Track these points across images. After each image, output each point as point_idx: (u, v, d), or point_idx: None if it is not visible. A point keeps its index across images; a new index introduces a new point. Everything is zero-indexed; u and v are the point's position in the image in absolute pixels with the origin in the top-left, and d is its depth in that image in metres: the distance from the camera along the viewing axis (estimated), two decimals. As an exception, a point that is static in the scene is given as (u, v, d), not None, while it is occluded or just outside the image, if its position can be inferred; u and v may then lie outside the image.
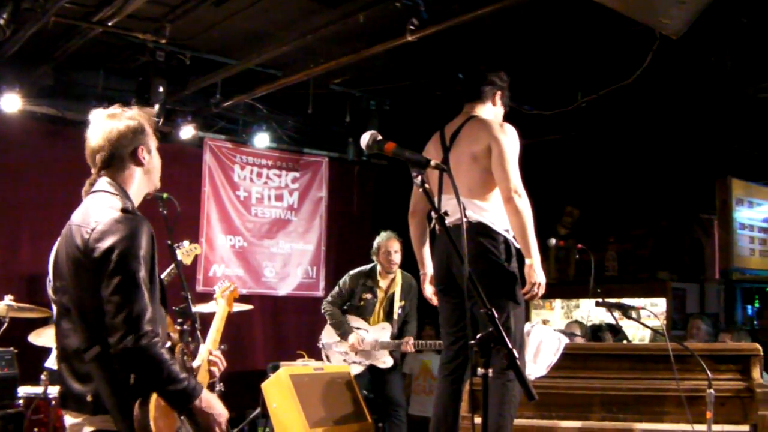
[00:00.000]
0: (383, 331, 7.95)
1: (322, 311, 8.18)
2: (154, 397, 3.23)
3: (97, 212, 3.35)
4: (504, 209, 5.03)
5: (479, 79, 5.47)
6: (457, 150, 5.28)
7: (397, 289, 8.02)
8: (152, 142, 3.65)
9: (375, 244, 8.09)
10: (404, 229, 8.12)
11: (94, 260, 3.24)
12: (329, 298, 8.22)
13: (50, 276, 5.96)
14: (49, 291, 6.11)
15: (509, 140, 5.13)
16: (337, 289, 8.23)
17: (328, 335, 8.19)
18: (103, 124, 3.60)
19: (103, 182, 3.52)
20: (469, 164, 5.15)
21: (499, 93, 5.48)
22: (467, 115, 5.41)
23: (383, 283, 8.03)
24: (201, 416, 3.34)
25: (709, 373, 5.15)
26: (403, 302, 8.02)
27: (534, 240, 4.93)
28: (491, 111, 5.45)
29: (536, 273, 4.90)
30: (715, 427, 5.48)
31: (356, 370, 7.78)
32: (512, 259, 5.03)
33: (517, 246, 5.03)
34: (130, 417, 3.21)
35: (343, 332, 7.95)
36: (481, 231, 5.01)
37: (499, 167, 5.03)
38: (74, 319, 3.34)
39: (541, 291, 4.93)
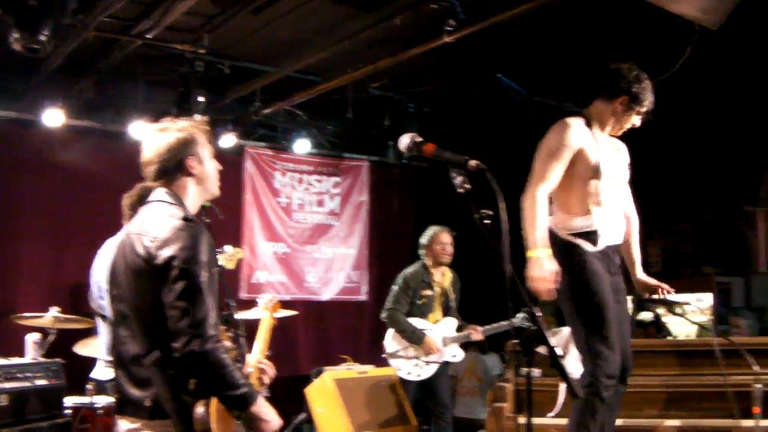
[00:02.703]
0: (447, 326, 7.88)
1: (384, 319, 7.91)
2: (214, 401, 3.28)
3: (157, 221, 3.42)
4: (567, 209, 5.02)
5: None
6: None
7: (448, 281, 8.01)
8: (205, 151, 3.71)
9: (426, 237, 8.01)
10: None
11: (157, 267, 3.31)
12: (390, 305, 7.91)
13: (98, 285, 6.06)
14: (95, 301, 6.21)
15: (549, 136, 5.03)
16: (396, 293, 7.94)
17: (391, 344, 7.90)
18: (153, 137, 3.66)
19: (161, 192, 3.59)
20: None
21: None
22: None
23: (437, 276, 8.00)
24: (256, 422, 3.40)
25: (756, 367, 5.09)
26: (454, 295, 8.02)
27: (532, 234, 4.78)
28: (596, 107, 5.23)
29: (528, 267, 4.75)
30: (763, 421, 5.43)
31: (430, 371, 7.71)
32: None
33: (567, 241, 4.97)
34: (190, 421, 3.26)
35: (416, 337, 7.72)
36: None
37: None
38: (132, 325, 3.41)
39: (537, 286, 4.70)
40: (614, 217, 5.05)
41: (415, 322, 7.82)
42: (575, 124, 5.01)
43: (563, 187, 5.01)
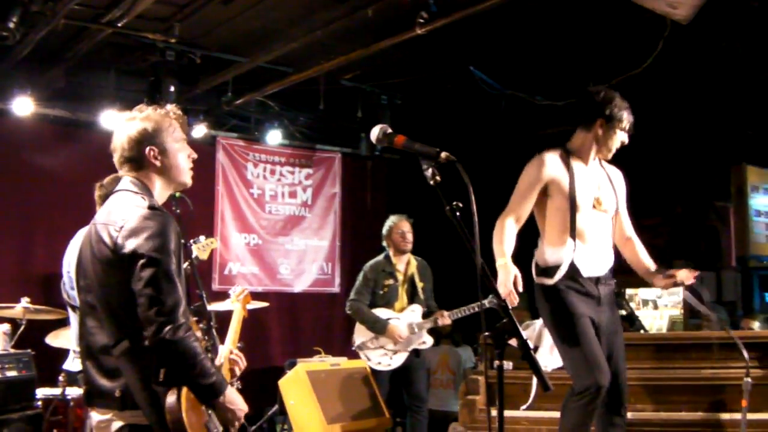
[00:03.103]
0: (414, 314, 7.83)
1: (348, 311, 7.96)
2: (185, 390, 3.27)
3: (123, 211, 3.39)
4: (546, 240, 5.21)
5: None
6: None
7: (415, 270, 8.00)
8: (170, 140, 3.63)
9: (386, 227, 8.04)
10: (417, 224, 8.14)
11: (124, 256, 3.28)
12: (353, 296, 7.98)
13: (69, 276, 6.01)
14: (67, 292, 6.16)
15: (524, 171, 5.22)
16: (359, 284, 8.01)
17: (360, 335, 7.89)
18: (120, 127, 3.64)
19: (127, 182, 3.57)
20: None
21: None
22: None
23: (400, 265, 7.98)
24: (224, 410, 3.42)
25: (747, 360, 5.14)
26: (422, 283, 7.97)
27: (496, 248, 5.04)
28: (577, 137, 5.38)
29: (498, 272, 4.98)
30: (734, 415, 5.48)
31: (400, 360, 7.67)
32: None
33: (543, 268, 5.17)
34: (161, 410, 3.24)
35: (379, 327, 7.71)
36: None
37: None
38: (101, 316, 3.38)
39: (500, 291, 4.83)
40: (596, 249, 5.15)
41: (380, 311, 7.82)
42: (549, 158, 5.15)
43: (543, 219, 5.21)
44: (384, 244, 8.09)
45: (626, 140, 5.23)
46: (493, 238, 5.03)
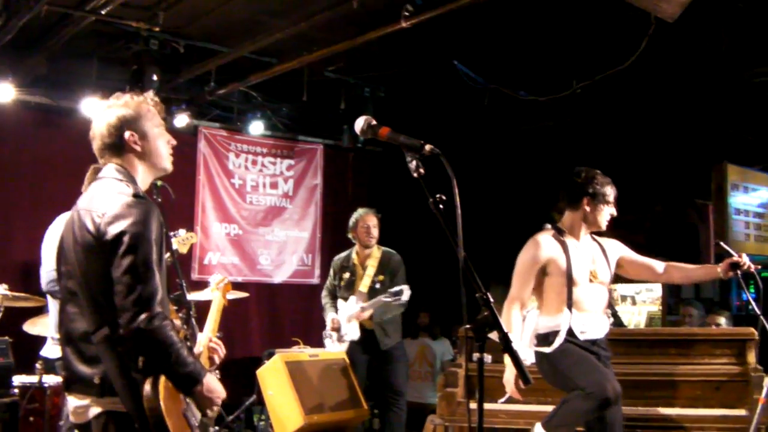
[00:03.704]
0: (351, 306, 7.85)
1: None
2: (162, 378, 3.27)
3: (107, 197, 3.39)
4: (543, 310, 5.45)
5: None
6: None
7: (373, 263, 7.97)
8: (148, 125, 3.64)
9: (352, 219, 8.09)
10: (399, 217, 8.15)
11: (106, 243, 3.28)
12: (324, 290, 8.30)
13: (47, 262, 5.98)
14: (46, 280, 6.13)
15: (520, 255, 5.46)
16: (328, 278, 8.33)
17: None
18: (100, 114, 3.63)
19: (110, 169, 3.56)
20: None
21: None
22: None
23: (358, 259, 8.02)
24: (202, 399, 3.42)
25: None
26: (381, 276, 7.92)
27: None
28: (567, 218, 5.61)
29: None
30: (711, 411, 5.52)
31: (341, 348, 7.75)
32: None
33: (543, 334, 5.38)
34: (139, 398, 3.24)
35: (325, 315, 8.05)
36: None
37: None
38: (81, 302, 3.38)
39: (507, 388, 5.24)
40: (592, 317, 5.36)
41: (340, 303, 7.98)
42: (543, 240, 5.42)
43: (541, 294, 5.45)
44: (350, 236, 8.14)
45: (615, 213, 5.50)
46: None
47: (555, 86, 8.78)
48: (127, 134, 3.56)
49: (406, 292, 7.42)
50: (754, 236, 10.23)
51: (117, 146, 3.57)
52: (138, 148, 3.60)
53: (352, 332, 7.78)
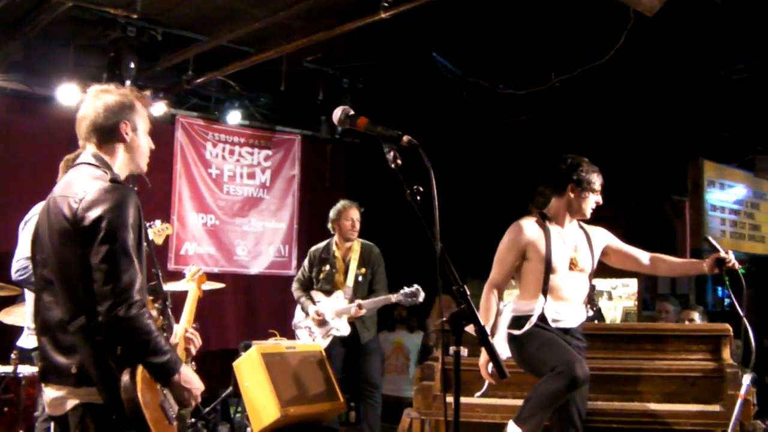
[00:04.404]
0: (336, 300, 7.85)
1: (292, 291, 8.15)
2: (140, 369, 3.26)
3: (83, 183, 3.37)
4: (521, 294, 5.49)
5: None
6: None
7: (354, 256, 7.93)
8: (141, 121, 3.66)
9: (334, 212, 7.99)
10: (376, 208, 8.12)
11: (83, 229, 3.26)
12: (296, 277, 8.24)
13: (20, 251, 5.92)
14: (15, 269, 6.06)
15: (503, 238, 5.47)
16: (302, 266, 8.21)
17: (297, 315, 8.12)
18: (94, 96, 3.61)
19: (88, 155, 3.55)
20: None
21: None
22: None
23: (339, 252, 7.97)
24: (179, 389, 3.42)
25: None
26: (363, 270, 7.90)
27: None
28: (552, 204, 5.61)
29: None
30: (686, 406, 5.54)
31: (324, 343, 7.68)
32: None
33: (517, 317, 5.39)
34: (116, 388, 3.22)
35: (304, 308, 7.92)
36: None
37: None
38: (57, 291, 3.36)
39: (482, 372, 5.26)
40: (568, 305, 5.38)
41: (315, 294, 7.93)
42: (526, 224, 5.42)
43: (520, 279, 5.49)
44: (330, 227, 8.07)
45: (600, 200, 5.50)
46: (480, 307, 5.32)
47: (534, 80, 8.79)
48: (123, 122, 3.56)
49: (421, 293, 7.41)
50: (729, 233, 10.30)
51: (108, 130, 3.55)
52: (127, 138, 3.59)
53: (343, 328, 7.76)
